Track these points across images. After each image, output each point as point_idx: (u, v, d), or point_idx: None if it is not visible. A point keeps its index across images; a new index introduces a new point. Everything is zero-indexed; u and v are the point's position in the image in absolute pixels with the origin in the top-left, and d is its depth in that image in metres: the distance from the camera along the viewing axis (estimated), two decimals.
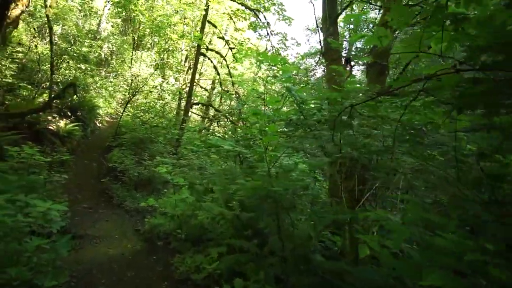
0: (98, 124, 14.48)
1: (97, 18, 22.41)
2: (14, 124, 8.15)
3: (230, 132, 10.86)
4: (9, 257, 2.85)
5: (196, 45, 12.22)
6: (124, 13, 21.99)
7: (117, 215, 6.79)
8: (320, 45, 5.73)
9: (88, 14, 22.88)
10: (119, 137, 11.84)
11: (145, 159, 8.85)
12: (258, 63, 11.95)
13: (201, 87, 16.85)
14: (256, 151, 4.11)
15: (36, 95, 9.59)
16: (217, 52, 13.34)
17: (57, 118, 10.56)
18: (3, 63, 10.08)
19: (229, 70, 12.79)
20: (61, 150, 9.17)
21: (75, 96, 7.43)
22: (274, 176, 3.38)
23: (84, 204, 6.97)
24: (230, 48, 13.11)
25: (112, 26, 23.06)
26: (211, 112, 17.97)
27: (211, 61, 13.33)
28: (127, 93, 15.43)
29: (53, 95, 6.90)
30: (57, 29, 15.05)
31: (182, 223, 4.59)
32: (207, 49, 13.08)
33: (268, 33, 12.18)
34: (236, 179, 4.14)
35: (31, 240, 3.18)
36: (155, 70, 12.22)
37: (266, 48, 13.54)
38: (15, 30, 11.56)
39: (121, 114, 12.03)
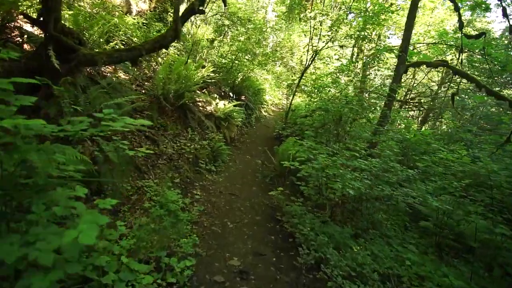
0: (263, 113, 11.28)
1: (264, 10, 20.66)
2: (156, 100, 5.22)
3: None
4: None
5: None
6: None
7: None
8: None
9: (256, 9, 21.49)
10: (292, 123, 7.68)
11: (358, 154, 3.88)
12: None
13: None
14: None
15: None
16: None
17: (217, 100, 7.50)
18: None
19: None
20: (214, 137, 5.73)
21: (224, 5, 3.43)
22: None
23: (233, 258, 2.69)
24: None
25: (277, 16, 20.74)
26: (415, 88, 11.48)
27: None
28: (295, 78, 11.55)
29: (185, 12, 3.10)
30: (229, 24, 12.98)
31: None
32: None
33: None
34: None
35: None
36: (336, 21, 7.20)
37: None
38: None
39: (292, 93, 7.85)
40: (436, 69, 11.73)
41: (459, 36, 8.85)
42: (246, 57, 9.33)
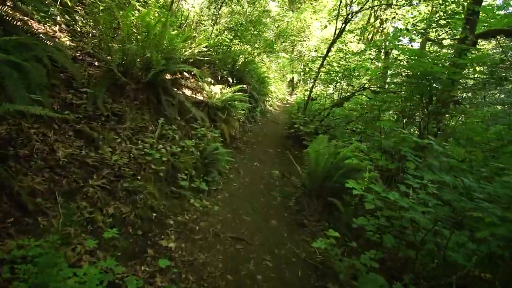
0: (268, 107, 9.20)
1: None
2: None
3: None
4: None
5: None
6: None
7: None
8: None
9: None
10: (312, 116, 5.62)
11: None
12: None
13: None
14: None
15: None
16: None
17: (212, 86, 5.37)
18: None
19: None
20: (206, 135, 3.65)
21: None
22: None
23: None
24: None
25: (277, 6, 18.77)
26: None
27: None
28: (314, 58, 9.49)
29: None
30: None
31: None
32: None
33: None
34: None
35: None
36: None
37: None
38: None
39: (315, 76, 5.80)
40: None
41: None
42: (249, 36, 7.28)
